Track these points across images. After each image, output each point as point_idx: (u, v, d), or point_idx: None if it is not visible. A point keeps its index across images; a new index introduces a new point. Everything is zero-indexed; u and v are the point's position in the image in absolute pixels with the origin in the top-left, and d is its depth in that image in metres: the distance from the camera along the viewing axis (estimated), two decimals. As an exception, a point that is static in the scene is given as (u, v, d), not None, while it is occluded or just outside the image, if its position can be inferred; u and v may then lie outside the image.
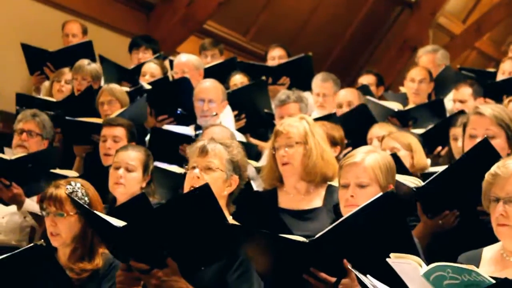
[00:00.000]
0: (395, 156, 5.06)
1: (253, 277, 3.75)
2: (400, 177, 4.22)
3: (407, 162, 5.28)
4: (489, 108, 4.59)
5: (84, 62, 7.84)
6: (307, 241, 3.44)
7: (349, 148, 6.25)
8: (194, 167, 4.07)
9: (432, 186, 4.22)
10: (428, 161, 5.79)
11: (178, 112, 7.31)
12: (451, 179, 4.19)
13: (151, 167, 5.23)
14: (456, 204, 4.21)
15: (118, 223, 3.57)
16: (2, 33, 9.29)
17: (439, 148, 6.39)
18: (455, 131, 5.85)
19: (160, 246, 3.55)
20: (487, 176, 3.57)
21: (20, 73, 8.89)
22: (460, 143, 5.67)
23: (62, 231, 4.30)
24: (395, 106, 7.40)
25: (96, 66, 7.89)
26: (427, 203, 4.29)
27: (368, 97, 7.49)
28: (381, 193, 3.53)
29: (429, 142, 6.18)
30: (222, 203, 3.97)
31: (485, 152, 3.90)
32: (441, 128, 6.34)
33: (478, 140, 4.45)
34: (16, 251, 3.70)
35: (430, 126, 6.75)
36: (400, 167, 4.95)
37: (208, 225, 3.56)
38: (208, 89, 6.97)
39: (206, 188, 3.52)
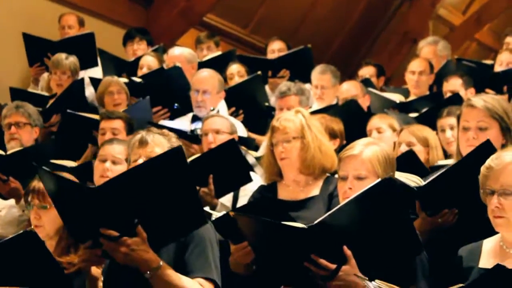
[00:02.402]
0: (411, 153, 5.08)
1: (209, 252, 3.68)
2: (401, 176, 4.21)
3: (421, 157, 5.29)
4: (481, 99, 4.54)
5: (62, 56, 7.83)
6: (306, 227, 3.45)
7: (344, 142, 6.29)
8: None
9: (432, 186, 4.22)
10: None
11: (175, 107, 7.30)
12: (451, 179, 4.19)
13: None
14: (456, 202, 4.21)
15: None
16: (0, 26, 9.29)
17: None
18: (442, 122, 5.84)
19: (131, 213, 3.49)
20: (482, 169, 3.60)
21: (19, 65, 8.88)
22: (449, 133, 5.70)
23: (46, 223, 4.30)
24: (397, 97, 7.40)
25: (74, 60, 7.87)
26: (426, 202, 4.29)
27: (370, 89, 7.47)
28: (379, 179, 3.52)
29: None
30: None
31: (486, 154, 3.89)
32: (436, 112, 6.34)
33: (471, 132, 4.45)
34: (6, 239, 3.69)
35: (424, 109, 6.76)
36: (416, 163, 4.98)
37: (178, 191, 3.52)
38: (202, 80, 6.96)
39: (179, 150, 3.51)
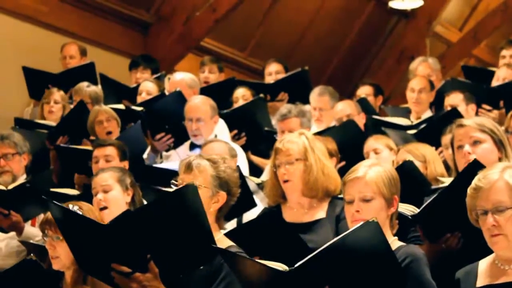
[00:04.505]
0: (412, 164, 5.10)
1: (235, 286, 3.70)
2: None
3: None
4: (470, 119, 4.70)
5: (84, 84, 7.86)
6: (287, 269, 3.38)
7: (343, 162, 6.29)
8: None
9: (427, 212, 4.22)
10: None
11: None
12: (446, 203, 4.17)
13: (128, 180, 5.16)
14: (457, 226, 4.18)
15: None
16: (1, 58, 9.33)
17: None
18: (445, 140, 5.87)
19: (142, 248, 3.50)
20: (469, 191, 3.56)
21: (20, 97, 8.91)
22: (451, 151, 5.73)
23: (61, 254, 4.30)
24: (402, 121, 7.38)
25: (95, 88, 7.90)
26: (426, 228, 4.29)
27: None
28: (362, 222, 3.46)
29: (422, 142, 6.16)
30: (210, 219, 3.91)
31: (476, 173, 3.89)
32: (434, 128, 6.35)
33: (466, 149, 4.50)
34: (7, 268, 3.70)
35: (422, 126, 6.76)
36: (417, 177, 4.99)
37: (190, 227, 3.53)
38: (194, 108, 6.91)
39: (191, 186, 3.52)
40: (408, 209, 4.32)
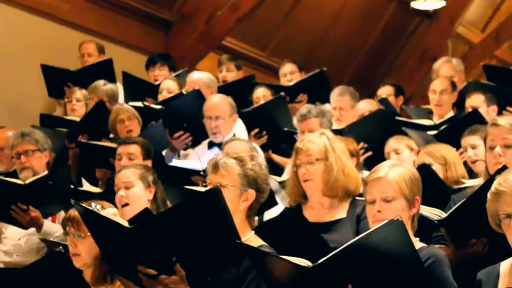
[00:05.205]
0: (429, 168, 5.07)
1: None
2: (423, 209, 4.19)
3: (440, 175, 5.31)
4: (504, 118, 4.65)
5: (100, 82, 7.87)
6: (311, 265, 3.39)
7: (370, 152, 6.30)
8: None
9: (454, 217, 4.19)
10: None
11: None
12: (472, 208, 4.13)
13: (151, 178, 5.16)
14: (483, 231, 4.14)
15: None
16: (21, 55, 9.37)
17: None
18: (464, 142, 5.84)
19: (168, 251, 3.51)
20: (489, 195, 3.53)
21: (42, 93, 8.94)
22: (470, 152, 5.70)
23: (82, 251, 4.30)
24: (426, 122, 7.36)
25: (112, 86, 7.91)
26: (452, 233, 4.25)
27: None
28: (386, 221, 3.46)
29: (443, 142, 6.14)
30: (240, 217, 3.95)
31: None
32: (455, 129, 6.32)
33: (497, 150, 4.48)
34: (35, 261, 3.71)
35: (443, 127, 6.74)
36: (435, 180, 4.97)
37: (215, 229, 3.53)
38: (213, 106, 6.93)
39: (216, 191, 3.52)
40: (434, 213, 4.28)
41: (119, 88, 8.45)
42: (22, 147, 6.42)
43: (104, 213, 4.25)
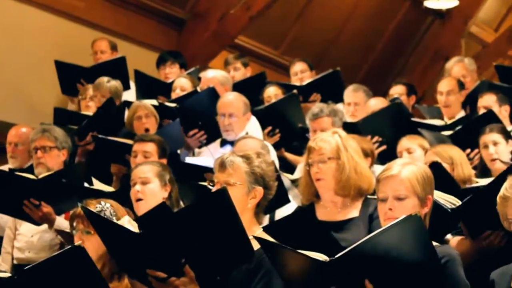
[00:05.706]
0: (439, 166, 5.08)
1: (274, 285, 3.71)
2: (438, 195, 4.19)
3: None
4: None
5: (104, 79, 7.87)
6: (328, 259, 3.40)
7: (384, 146, 6.39)
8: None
9: (468, 207, 4.18)
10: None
11: None
12: (486, 201, 4.10)
13: (167, 176, 5.17)
14: (497, 224, 4.07)
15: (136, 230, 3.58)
16: (35, 52, 9.41)
17: (468, 150, 6.33)
18: (484, 138, 5.85)
19: (178, 254, 3.52)
20: (498, 199, 3.58)
21: (55, 89, 8.97)
22: (492, 149, 5.70)
23: (89, 248, 4.29)
24: (436, 122, 7.36)
25: (116, 83, 7.91)
26: (466, 224, 4.25)
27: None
28: (404, 216, 3.47)
29: (458, 144, 6.15)
30: (249, 215, 3.96)
31: None
32: (470, 129, 6.32)
33: None
34: (54, 254, 3.71)
35: (458, 127, 6.74)
36: (445, 178, 4.97)
37: (224, 229, 3.53)
38: (228, 103, 6.94)
39: (222, 192, 3.52)
40: (448, 201, 4.28)
41: (131, 86, 8.49)
42: (40, 143, 6.43)
43: (108, 214, 4.26)
